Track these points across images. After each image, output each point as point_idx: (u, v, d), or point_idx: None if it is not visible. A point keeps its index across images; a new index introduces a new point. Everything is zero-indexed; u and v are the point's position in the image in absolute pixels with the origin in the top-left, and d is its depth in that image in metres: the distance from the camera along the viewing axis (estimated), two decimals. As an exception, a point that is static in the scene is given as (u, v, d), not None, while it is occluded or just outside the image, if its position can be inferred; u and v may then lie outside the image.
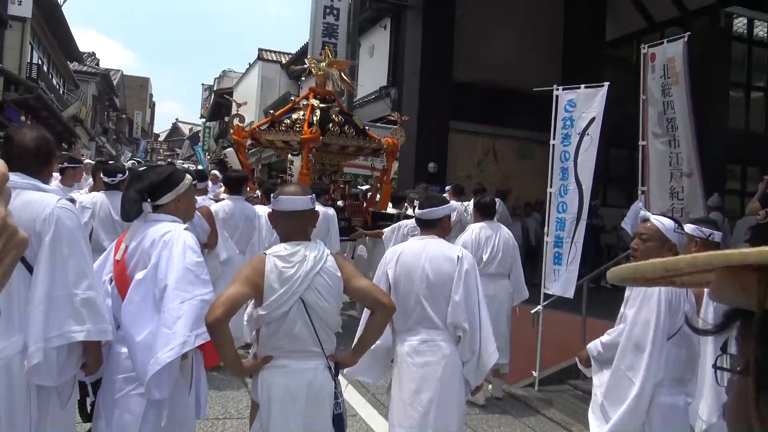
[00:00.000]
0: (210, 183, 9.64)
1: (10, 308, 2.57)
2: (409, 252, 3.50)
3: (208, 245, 5.58)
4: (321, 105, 8.08)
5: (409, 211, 7.99)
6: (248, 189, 7.81)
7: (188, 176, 3.04)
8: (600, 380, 3.15)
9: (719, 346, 3.14)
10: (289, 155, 8.57)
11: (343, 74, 8.57)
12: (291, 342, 2.67)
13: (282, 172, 10.11)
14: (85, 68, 32.41)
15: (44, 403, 2.61)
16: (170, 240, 2.71)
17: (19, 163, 2.70)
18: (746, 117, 17.79)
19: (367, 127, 9.06)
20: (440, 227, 3.59)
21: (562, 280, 6.04)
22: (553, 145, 6.24)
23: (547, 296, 6.25)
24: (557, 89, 6.33)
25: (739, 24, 17.73)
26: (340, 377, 2.87)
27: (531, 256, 10.81)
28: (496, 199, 9.47)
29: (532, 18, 14.96)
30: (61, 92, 25.96)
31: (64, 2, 21.00)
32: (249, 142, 8.47)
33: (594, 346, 3.25)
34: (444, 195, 7.62)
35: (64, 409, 2.72)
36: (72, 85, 28.64)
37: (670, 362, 2.96)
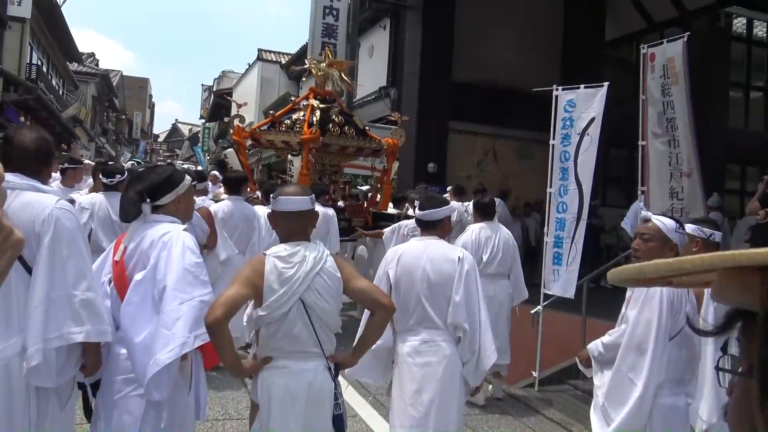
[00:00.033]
0: (209, 183, 9.64)
1: (9, 309, 2.56)
2: (410, 252, 3.52)
3: (207, 246, 5.58)
4: (321, 105, 8.08)
5: (410, 212, 7.98)
6: (248, 189, 7.81)
7: (188, 177, 3.04)
8: (601, 381, 3.14)
9: (719, 347, 3.14)
10: (289, 156, 8.57)
11: (343, 74, 8.56)
12: (291, 343, 2.67)
13: (282, 173, 10.10)
14: (84, 69, 32.39)
15: (43, 405, 2.61)
16: (169, 241, 2.70)
17: (18, 164, 2.69)
18: (745, 117, 17.81)
19: (367, 128, 9.05)
20: (441, 228, 3.62)
21: (562, 280, 6.04)
22: (553, 145, 6.24)
23: (546, 296, 6.25)
24: (557, 89, 6.33)
25: (739, 24, 17.74)
26: (340, 378, 2.86)
27: (531, 256, 10.81)
28: (497, 199, 9.50)
29: (531, 18, 14.96)
30: (60, 93, 25.95)
31: (63, 3, 21.01)
32: (249, 142, 8.47)
33: (595, 346, 3.22)
34: (445, 195, 7.63)
35: (64, 410, 2.71)
36: (71, 85, 28.63)
37: (672, 363, 2.94)
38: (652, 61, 6.41)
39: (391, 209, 8.80)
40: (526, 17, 14.89)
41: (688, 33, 6.30)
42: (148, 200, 2.86)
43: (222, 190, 8.29)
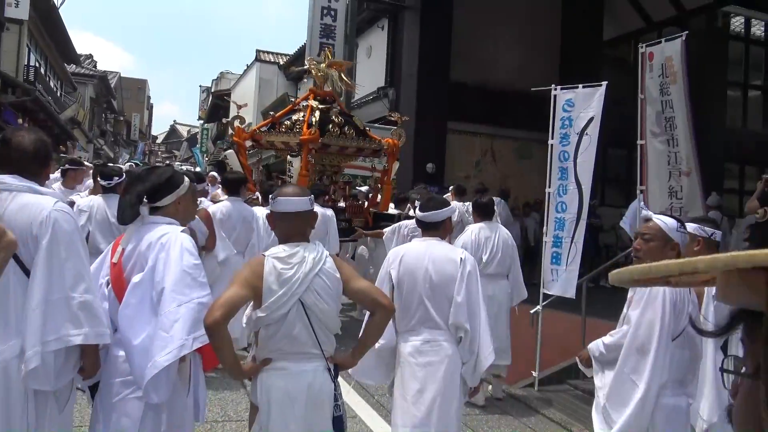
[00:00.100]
0: (208, 184, 9.63)
1: (7, 312, 2.56)
2: (412, 253, 3.56)
3: (206, 248, 5.57)
4: (320, 106, 8.07)
5: (412, 212, 7.98)
6: (248, 191, 7.80)
7: (187, 179, 3.03)
8: (602, 381, 3.11)
9: (719, 346, 3.14)
10: (288, 156, 8.56)
11: (342, 75, 8.55)
12: (290, 344, 2.66)
13: (281, 173, 10.09)
14: (82, 70, 32.38)
15: (42, 408, 2.59)
16: (167, 242, 2.69)
17: (17, 166, 2.69)
18: (744, 116, 17.82)
19: (367, 128, 9.05)
20: (442, 229, 3.66)
21: (561, 280, 6.03)
22: (552, 144, 6.24)
23: (546, 296, 6.24)
24: (555, 89, 6.33)
25: (737, 23, 17.75)
26: (340, 379, 2.85)
27: (530, 256, 10.81)
28: (497, 199, 9.51)
29: (529, 18, 14.96)
30: (58, 94, 25.92)
31: (61, 4, 21.00)
32: (249, 143, 8.45)
33: (596, 346, 3.19)
34: (446, 196, 7.64)
35: (62, 413, 2.70)
36: (69, 87, 28.60)
37: (674, 364, 2.92)
38: (650, 61, 6.41)
39: (392, 209, 8.80)
40: (524, 17, 14.89)
41: (687, 32, 6.29)
42: (147, 201, 2.85)
43: (220, 191, 8.28)
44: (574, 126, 6.06)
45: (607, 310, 6.71)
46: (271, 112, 9.02)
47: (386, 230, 7.50)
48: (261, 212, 6.42)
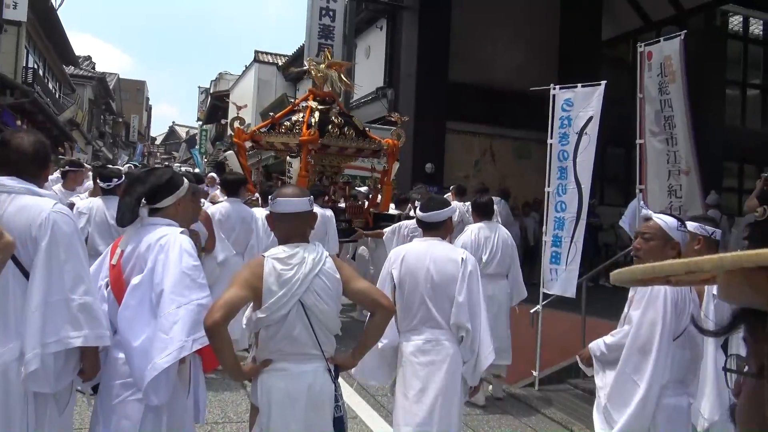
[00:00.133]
0: (207, 185, 9.63)
1: (6, 314, 2.55)
2: (413, 253, 3.59)
3: (205, 249, 5.56)
4: (319, 107, 8.06)
5: (413, 213, 7.99)
6: (248, 192, 7.80)
7: (186, 180, 3.03)
8: (603, 381, 3.09)
9: (719, 345, 3.14)
10: (288, 157, 8.56)
11: (342, 75, 8.55)
12: (290, 345, 2.65)
13: (281, 174, 10.09)
14: (81, 72, 32.31)
15: (42, 410, 2.59)
16: (166, 244, 2.69)
17: (16, 168, 2.68)
18: (742, 114, 17.85)
19: (367, 128, 9.04)
20: (443, 229, 3.69)
21: (561, 279, 6.03)
22: (551, 144, 6.24)
23: (546, 296, 6.24)
24: (554, 88, 6.33)
25: (735, 22, 17.77)
26: (341, 380, 2.85)
27: (529, 255, 10.81)
28: (497, 198, 9.51)
29: (528, 18, 14.97)
30: (57, 96, 25.90)
31: (59, 6, 20.96)
32: (249, 144, 8.45)
33: (597, 345, 3.17)
34: (446, 196, 7.65)
35: (62, 416, 2.70)
36: (68, 89, 28.56)
37: (675, 363, 2.90)
38: (649, 60, 6.41)
39: (393, 210, 8.80)
40: (523, 17, 14.90)
41: (685, 31, 6.29)
42: (146, 203, 2.84)
43: (219, 192, 8.28)
44: (573, 125, 6.06)
45: (606, 309, 6.71)
46: (271, 113, 9.01)
47: (386, 230, 7.51)
48: (260, 213, 6.42)
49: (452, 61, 14.00)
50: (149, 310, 2.63)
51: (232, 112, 30.16)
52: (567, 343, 6.30)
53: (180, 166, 32.02)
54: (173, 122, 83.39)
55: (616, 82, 7.01)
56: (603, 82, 6.01)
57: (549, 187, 6.24)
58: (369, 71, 16.20)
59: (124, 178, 5.62)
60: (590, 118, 5.94)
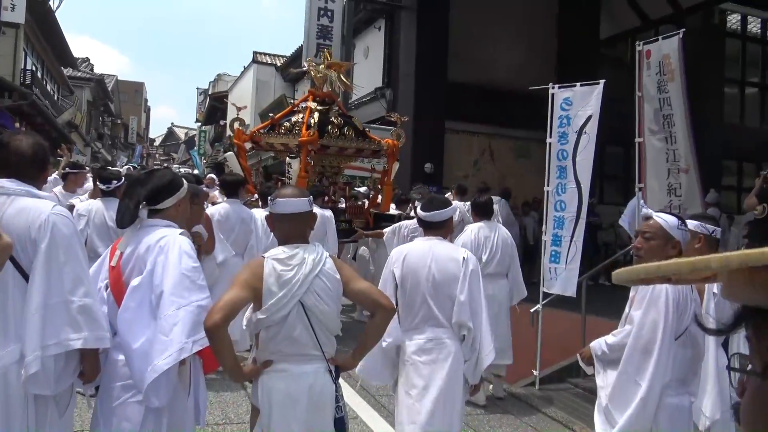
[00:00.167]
0: (206, 187, 9.61)
1: (6, 316, 2.55)
2: (415, 252, 3.62)
3: (205, 251, 5.55)
4: (319, 107, 8.05)
5: (413, 213, 7.98)
6: (248, 193, 7.80)
7: (186, 182, 3.03)
8: (604, 381, 3.07)
9: (720, 343, 3.13)
10: (288, 158, 8.55)
11: (341, 76, 8.54)
12: (291, 346, 2.65)
13: (280, 175, 10.09)
14: (79, 74, 32.29)
15: (42, 413, 2.58)
16: (166, 245, 2.68)
17: (15, 170, 2.68)
18: (741, 113, 17.86)
19: (367, 129, 9.04)
20: (445, 228, 3.72)
21: (561, 278, 6.03)
22: (550, 143, 6.24)
23: (546, 295, 6.24)
24: (553, 87, 6.33)
25: (733, 20, 17.79)
26: (343, 380, 2.85)
27: (529, 255, 10.80)
28: (497, 198, 9.51)
29: (526, 18, 14.97)
30: (55, 98, 25.87)
31: (57, 8, 20.96)
32: (248, 145, 8.44)
33: (598, 345, 3.15)
34: (447, 195, 7.65)
35: (62, 418, 2.69)
36: (66, 90, 28.55)
37: (677, 363, 2.88)
38: (647, 58, 6.40)
39: (393, 210, 8.79)
40: (521, 17, 14.90)
41: (684, 30, 6.29)
42: (146, 204, 2.84)
43: (217, 192, 8.27)
44: (572, 124, 6.06)
45: (606, 308, 6.72)
46: (270, 114, 9.00)
47: (386, 231, 7.51)
48: (260, 214, 6.42)
49: (451, 60, 14.00)
50: (149, 312, 2.63)
51: (230, 113, 30.16)
52: (567, 342, 6.30)
53: (179, 168, 32.01)
54: (172, 123, 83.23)
55: (614, 81, 7.00)
56: (601, 81, 6.01)
57: (548, 186, 6.24)
58: (367, 71, 16.19)
59: (123, 180, 5.62)
60: (589, 117, 5.94)
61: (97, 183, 5.83)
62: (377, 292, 2.89)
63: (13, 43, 18.75)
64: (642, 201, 6.07)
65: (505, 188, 11.65)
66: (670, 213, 3.22)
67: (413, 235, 6.25)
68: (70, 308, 2.55)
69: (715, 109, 15.35)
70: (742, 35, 17.95)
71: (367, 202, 8.97)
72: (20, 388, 2.51)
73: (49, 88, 24.85)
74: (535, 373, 6.16)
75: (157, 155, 66.52)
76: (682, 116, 6.07)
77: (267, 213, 2.89)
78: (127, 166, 14.54)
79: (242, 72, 31.20)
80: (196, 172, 24.45)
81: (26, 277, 2.55)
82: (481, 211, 5.84)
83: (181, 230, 2.85)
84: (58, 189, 7.32)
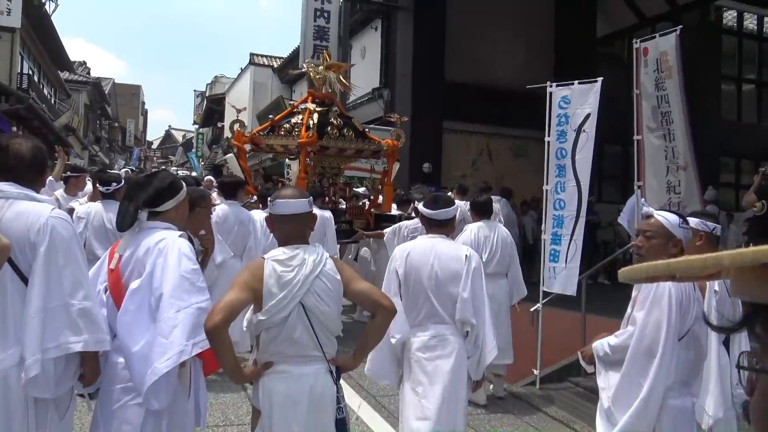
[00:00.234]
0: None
1: (6, 320, 2.54)
2: (417, 250, 3.67)
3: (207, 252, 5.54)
4: (318, 109, 8.04)
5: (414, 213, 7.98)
6: (247, 194, 7.79)
7: (185, 184, 3.03)
8: (606, 383, 3.02)
9: (722, 342, 3.12)
10: (287, 159, 8.54)
11: (340, 77, 8.54)
12: (291, 347, 2.64)
13: (280, 176, 10.08)
14: (76, 77, 32.26)
15: (42, 416, 2.58)
16: (165, 248, 2.67)
17: (14, 173, 2.68)
18: (738, 109, 17.87)
19: (366, 129, 9.03)
20: (449, 227, 3.78)
21: (561, 277, 6.03)
22: (548, 142, 6.24)
23: (546, 294, 6.23)
24: (551, 86, 6.33)
25: (729, 17, 17.81)
26: (342, 381, 2.84)
27: (528, 254, 10.80)
28: (497, 197, 9.51)
29: (523, 17, 14.98)
30: (52, 102, 25.84)
31: (53, 12, 20.93)
32: (248, 147, 8.42)
33: (600, 346, 3.09)
34: (448, 194, 7.65)
35: (62, 421, 2.69)
36: (63, 94, 28.51)
37: (680, 364, 2.84)
38: (645, 56, 6.40)
39: (394, 210, 8.79)
40: (518, 16, 14.92)
41: (681, 27, 6.28)
42: (145, 206, 2.83)
43: (215, 195, 8.26)
44: (571, 123, 6.06)
45: (606, 306, 6.73)
46: (270, 116, 8.99)
47: (387, 231, 7.51)
48: (259, 215, 6.42)
49: (448, 60, 14.00)
50: (148, 315, 2.62)
51: (228, 115, 30.15)
52: (567, 341, 6.30)
53: (177, 170, 32.00)
54: (169, 126, 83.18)
55: (611, 79, 7.00)
56: (599, 79, 6.01)
57: (547, 185, 6.24)
58: (365, 72, 16.18)
59: (123, 182, 5.62)
60: (588, 116, 5.94)
61: (97, 185, 5.82)
62: (378, 292, 2.89)
63: (10, 47, 18.73)
64: (642, 199, 6.07)
65: (506, 188, 11.65)
66: (671, 211, 3.19)
67: (413, 235, 6.26)
68: (70, 311, 2.54)
69: (712, 106, 15.36)
70: (738, 32, 17.97)
71: (367, 203, 8.97)
72: (20, 391, 2.50)
73: (45, 91, 24.82)
74: (536, 372, 6.16)
75: (154, 158, 66.52)
76: (680, 113, 6.07)
77: (267, 214, 2.88)
78: (125, 169, 14.54)
79: (239, 74, 31.19)
80: (194, 174, 24.44)
81: (25, 280, 2.55)
82: (481, 211, 5.84)
83: (181, 232, 2.84)
84: (59, 192, 7.31)
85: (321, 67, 8.40)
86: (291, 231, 2.73)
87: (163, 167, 38.27)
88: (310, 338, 2.64)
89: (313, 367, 2.67)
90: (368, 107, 15.90)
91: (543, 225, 6.33)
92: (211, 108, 37.96)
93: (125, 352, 2.62)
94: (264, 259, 2.67)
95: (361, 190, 9.92)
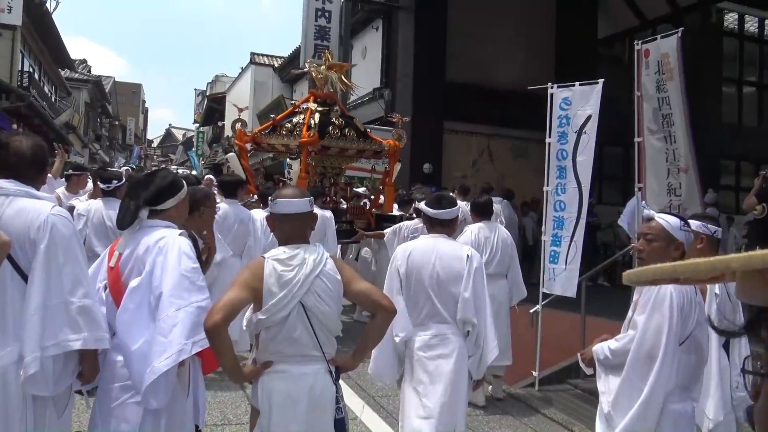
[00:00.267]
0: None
1: (5, 317, 2.54)
2: (419, 250, 3.69)
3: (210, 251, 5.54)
4: (320, 108, 8.04)
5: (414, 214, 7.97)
6: (248, 193, 7.78)
7: (185, 183, 3.02)
8: (606, 387, 2.99)
9: (721, 345, 3.12)
10: (288, 159, 8.52)
11: (342, 77, 8.53)
12: (291, 346, 2.63)
13: (281, 176, 10.07)
14: (76, 75, 32.26)
15: (41, 414, 2.57)
16: (165, 246, 2.66)
17: (14, 171, 2.67)
18: (739, 112, 17.87)
19: (368, 129, 9.02)
20: (451, 227, 3.81)
21: (561, 279, 6.02)
22: (549, 143, 6.23)
23: (545, 295, 6.23)
24: (552, 87, 6.33)
25: (730, 19, 17.80)
26: (341, 381, 2.83)
27: (527, 255, 10.79)
28: (498, 198, 9.49)
29: (524, 18, 14.98)
30: (53, 100, 25.83)
31: (54, 10, 20.92)
32: (249, 146, 8.41)
33: (601, 349, 3.05)
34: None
35: (61, 419, 2.68)
36: (64, 92, 28.50)
37: (681, 369, 2.81)
38: (646, 57, 6.38)
39: (396, 211, 8.79)
40: (519, 17, 14.92)
41: (683, 28, 6.27)
42: (151, 205, 2.82)
43: (216, 193, 8.25)
44: (572, 124, 6.05)
45: (606, 308, 6.73)
46: (272, 115, 8.98)
47: (387, 231, 7.51)
48: (259, 214, 6.41)
49: (449, 61, 14.00)
50: (148, 313, 2.61)
51: (228, 114, 30.17)
52: (567, 342, 6.30)
53: (177, 169, 32.00)
54: (170, 125, 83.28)
55: (612, 81, 6.98)
56: (601, 81, 6.00)
57: (548, 186, 6.23)
58: (365, 72, 16.17)
59: (124, 180, 5.61)
60: (589, 117, 5.93)
61: (98, 183, 5.82)
62: (378, 293, 2.88)
63: (10, 45, 18.72)
64: (643, 201, 6.06)
65: (508, 189, 11.64)
66: (672, 214, 3.18)
67: (413, 236, 6.25)
68: (70, 309, 2.54)
69: (713, 109, 15.37)
70: (739, 34, 17.97)
71: (368, 203, 8.97)
72: (19, 389, 2.50)
73: (46, 89, 24.81)
74: (535, 374, 6.15)
75: (155, 156, 66.54)
76: (682, 115, 6.05)
77: (267, 213, 2.88)
78: (125, 168, 14.52)
79: (240, 73, 31.19)
80: (194, 173, 24.44)
81: (25, 278, 2.54)
82: (481, 212, 5.83)
83: (181, 231, 2.84)
84: (61, 190, 7.30)
85: (323, 67, 8.40)
86: (291, 230, 2.72)
87: (164, 166, 38.32)
88: (309, 338, 2.64)
89: (313, 366, 2.67)
90: (369, 107, 15.90)
91: (543, 226, 6.32)
92: (212, 107, 37.97)
93: (124, 350, 2.62)
94: (264, 258, 2.66)
95: (361, 190, 9.92)
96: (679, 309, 2.76)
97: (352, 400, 5.24)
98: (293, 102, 13.20)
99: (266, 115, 13.00)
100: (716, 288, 3.01)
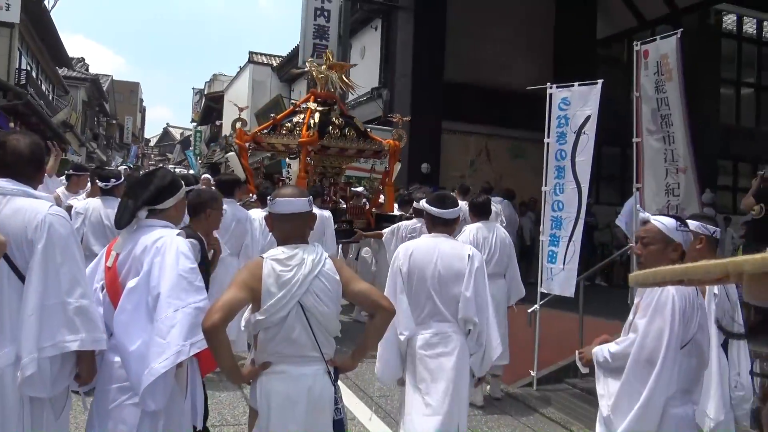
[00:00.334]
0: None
1: (2, 318, 2.52)
2: (421, 249, 3.71)
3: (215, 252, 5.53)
4: (319, 108, 8.03)
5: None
6: (247, 193, 7.76)
7: (183, 182, 3.02)
8: (605, 390, 2.94)
9: (720, 344, 3.12)
10: (288, 158, 8.51)
11: (342, 77, 8.52)
12: (289, 347, 2.62)
13: (280, 175, 10.05)
14: (74, 74, 32.19)
15: (38, 415, 2.56)
16: (162, 246, 2.65)
17: (12, 170, 2.65)
18: (737, 113, 17.91)
19: (368, 129, 9.01)
20: (453, 226, 3.84)
21: (559, 278, 6.02)
22: (548, 143, 6.23)
23: (543, 295, 6.23)
24: (551, 87, 6.33)
25: (729, 21, 17.84)
26: (340, 382, 2.82)
27: (525, 255, 10.79)
28: (498, 198, 9.47)
29: (523, 18, 14.99)
30: (50, 98, 25.79)
31: (52, 8, 20.87)
32: (249, 145, 8.40)
33: (600, 352, 3.00)
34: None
35: (58, 420, 2.66)
36: (61, 90, 28.44)
37: (682, 373, 2.77)
38: (645, 58, 6.38)
39: (396, 211, 8.78)
40: (518, 17, 14.93)
41: (682, 29, 6.28)
42: (150, 204, 2.81)
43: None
44: (571, 124, 6.05)
45: (603, 308, 6.74)
46: (272, 114, 8.96)
47: (385, 231, 7.50)
48: (258, 214, 6.39)
49: (447, 60, 13.99)
50: (146, 314, 2.60)
51: (226, 113, 30.14)
52: (565, 342, 6.30)
53: (174, 168, 31.95)
54: (167, 124, 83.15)
55: (610, 82, 6.98)
56: (600, 81, 6.00)
57: (546, 186, 6.23)
58: (364, 71, 16.15)
59: (123, 179, 5.59)
60: (588, 117, 5.93)
61: (96, 181, 5.80)
62: (377, 293, 2.87)
63: (8, 43, 18.67)
64: (638, 204, 6.05)
65: (509, 189, 11.63)
66: (668, 215, 3.16)
67: (412, 236, 6.24)
68: (67, 310, 2.52)
69: (711, 110, 15.39)
70: (738, 36, 18.01)
71: (368, 203, 8.96)
72: (16, 390, 2.48)
73: (44, 87, 24.76)
74: (533, 373, 6.15)
75: (152, 155, 66.47)
76: (680, 116, 6.05)
77: (266, 213, 2.86)
78: (123, 167, 14.49)
79: (238, 72, 31.18)
80: (191, 172, 24.41)
81: (22, 278, 2.52)
82: (479, 212, 5.83)
83: (179, 231, 2.82)
84: (61, 189, 7.28)
85: (323, 67, 8.38)
86: (290, 230, 2.71)
87: (161, 165, 38.24)
88: (308, 338, 2.62)
89: (312, 367, 2.65)
90: (367, 107, 15.89)
91: (541, 226, 6.32)
92: (210, 106, 37.93)
93: (122, 351, 2.60)
94: (263, 258, 2.65)
95: (359, 189, 9.91)
96: (681, 313, 2.72)
97: (351, 400, 5.23)
98: (292, 101, 13.19)
99: (264, 115, 12.99)
100: (715, 288, 3.00)
